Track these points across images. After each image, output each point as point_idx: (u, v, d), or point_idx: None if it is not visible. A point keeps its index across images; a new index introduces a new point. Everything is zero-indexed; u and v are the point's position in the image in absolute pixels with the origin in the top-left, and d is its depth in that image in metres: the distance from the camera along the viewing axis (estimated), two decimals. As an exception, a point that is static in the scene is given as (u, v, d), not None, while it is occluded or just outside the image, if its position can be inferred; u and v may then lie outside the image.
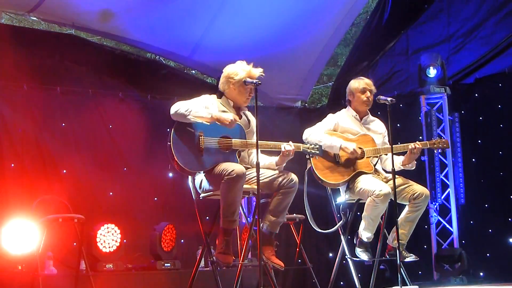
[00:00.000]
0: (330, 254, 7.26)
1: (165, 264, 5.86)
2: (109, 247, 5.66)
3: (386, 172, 4.97)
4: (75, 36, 7.45)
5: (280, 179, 4.24)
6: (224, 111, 4.32)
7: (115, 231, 5.72)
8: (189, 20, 6.67)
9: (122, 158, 6.64)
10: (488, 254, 6.93)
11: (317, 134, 4.83)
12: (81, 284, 5.17)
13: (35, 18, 7.10)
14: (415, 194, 4.76)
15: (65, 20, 6.58)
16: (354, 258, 4.89)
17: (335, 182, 4.85)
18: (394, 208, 4.47)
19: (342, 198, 4.96)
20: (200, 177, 4.29)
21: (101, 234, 5.64)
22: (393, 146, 4.65)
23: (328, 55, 8.01)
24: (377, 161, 4.93)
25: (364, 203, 4.76)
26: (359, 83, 5.04)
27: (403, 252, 4.81)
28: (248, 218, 4.77)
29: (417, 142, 4.87)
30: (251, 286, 5.93)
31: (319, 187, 5.02)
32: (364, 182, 4.74)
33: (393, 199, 4.50)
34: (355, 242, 4.91)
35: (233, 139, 4.26)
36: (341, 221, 4.93)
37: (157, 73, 7.28)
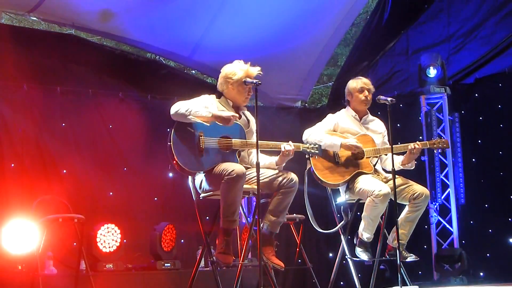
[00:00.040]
0: (330, 254, 7.26)
1: (165, 264, 5.86)
2: (109, 247, 5.66)
3: (386, 172, 4.98)
4: (75, 36, 7.45)
5: (280, 179, 4.24)
6: (224, 111, 4.32)
7: (115, 231, 5.71)
8: (189, 20, 6.67)
9: (122, 158, 6.63)
10: (488, 254, 6.93)
11: (317, 134, 4.84)
12: (81, 284, 5.17)
13: (35, 18, 7.10)
14: (415, 194, 4.76)
15: (65, 20, 6.58)
16: (354, 258, 4.89)
17: (335, 182, 4.85)
18: (394, 208, 4.47)
19: (342, 198, 4.96)
20: (200, 177, 4.29)
21: (101, 234, 5.64)
22: (393, 146, 4.65)
23: (328, 55, 8.01)
24: (377, 161, 4.94)
25: (364, 203, 4.76)
26: (357, 83, 5.04)
27: (403, 252, 4.82)
28: (248, 218, 4.77)
29: (417, 142, 4.87)
30: (251, 286, 5.93)
31: (319, 187, 5.02)
32: (364, 182, 4.74)
33: (393, 199, 4.50)
34: (355, 242, 4.91)
35: (233, 139, 4.26)
36: (343, 221, 4.93)
37: (157, 73, 7.28)
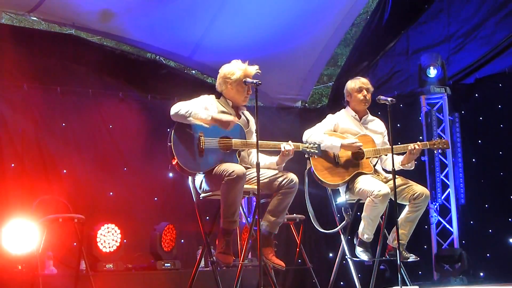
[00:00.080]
0: (330, 254, 7.26)
1: (165, 264, 5.86)
2: (109, 247, 5.66)
3: (386, 172, 4.97)
4: (75, 36, 7.45)
5: (280, 179, 4.23)
6: (223, 111, 4.33)
7: (115, 231, 5.71)
8: (189, 20, 6.67)
9: (122, 158, 6.63)
10: (488, 254, 6.94)
11: (317, 135, 4.83)
12: (81, 284, 5.17)
13: (35, 18, 7.10)
14: (415, 194, 4.76)
15: (65, 20, 6.58)
16: (354, 258, 4.89)
17: (335, 182, 4.84)
18: (394, 208, 4.47)
19: (342, 198, 4.95)
20: (200, 177, 4.29)
21: (101, 234, 5.64)
22: (393, 146, 4.65)
23: (328, 55, 8.02)
24: (377, 161, 4.93)
25: (364, 203, 4.76)
26: (355, 83, 5.04)
27: (403, 252, 4.81)
28: (248, 218, 4.77)
29: (417, 142, 4.86)
30: (251, 286, 5.93)
31: (319, 187, 5.02)
32: (363, 183, 4.73)
33: (393, 199, 4.50)
34: (355, 242, 4.90)
35: (233, 139, 4.26)
36: (344, 221, 4.92)
37: (157, 73, 7.28)
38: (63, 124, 6.35)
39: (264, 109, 7.40)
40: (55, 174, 6.14)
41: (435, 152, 6.81)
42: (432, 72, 7.01)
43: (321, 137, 4.80)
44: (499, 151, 7.11)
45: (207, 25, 6.81)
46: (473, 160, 7.23)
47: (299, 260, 6.52)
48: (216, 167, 4.14)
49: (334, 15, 7.23)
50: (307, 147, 4.43)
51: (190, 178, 4.39)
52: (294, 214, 6.15)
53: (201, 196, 4.35)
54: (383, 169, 5.01)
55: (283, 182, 4.22)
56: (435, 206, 7.00)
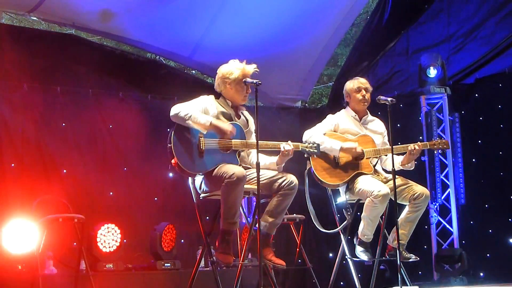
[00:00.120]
0: (330, 254, 7.26)
1: (165, 264, 5.86)
2: (109, 247, 5.66)
3: (386, 172, 4.97)
4: (75, 36, 7.45)
5: (280, 180, 4.23)
6: (223, 112, 4.33)
7: (115, 231, 5.71)
8: (189, 20, 6.67)
9: (122, 158, 6.64)
10: (488, 255, 6.94)
11: (317, 137, 4.82)
12: (81, 284, 5.17)
13: (35, 18, 7.10)
14: (415, 195, 4.76)
15: (65, 20, 6.58)
16: (354, 258, 4.89)
17: (335, 183, 4.84)
18: (394, 209, 4.46)
19: (342, 198, 4.95)
20: (200, 177, 4.29)
21: (101, 234, 5.63)
22: (393, 146, 4.65)
23: (328, 55, 8.02)
24: (377, 161, 4.93)
25: (364, 203, 4.75)
26: (353, 84, 5.05)
27: (403, 252, 4.81)
28: (248, 218, 4.77)
29: (417, 143, 4.86)
30: (251, 286, 5.93)
31: (319, 187, 5.02)
32: (363, 183, 4.73)
33: (392, 199, 4.50)
34: (355, 242, 4.91)
35: (233, 140, 4.26)
36: (346, 221, 4.92)
37: (157, 73, 7.27)
38: (63, 124, 6.35)
39: (264, 109, 7.41)
40: (55, 174, 6.14)
41: (435, 152, 6.81)
42: (432, 72, 7.01)
43: (321, 139, 4.80)
44: (499, 151, 7.11)
45: (207, 25, 6.81)
46: (473, 160, 7.23)
47: (299, 260, 6.52)
48: (217, 169, 4.13)
49: (334, 15, 7.23)
50: (306, 147, 4.43)
51: (190, 178, 4.39)
52: (294, 214, 6.14)
53: (201, 196, 4.35)
54: (383, 169, 5.01)
55: (283, 184, 4.22)
56: (435, 206, 7.00)
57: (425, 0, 7.61)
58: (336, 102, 7.40)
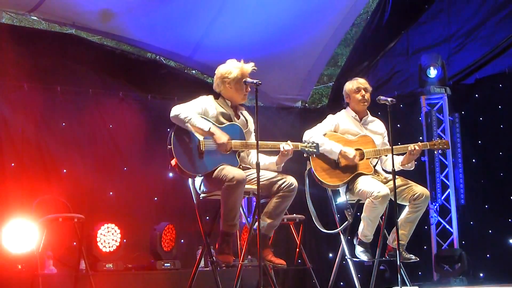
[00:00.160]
0: (330, 254, 7.26)
1: (165, 264, 5.86)
2: (109, 247, 5.66)
3: (386, 172, 4.97)
4: (75, 35, 7.44)
5: (279, 182, 4.22)
6: (222, 112, 4.32)
7: (115, 231, 5.72)
8: (189, 20, 6.67)
9: (122, 158, 6.63)
10: (488, 255, 6.94)
11: (318, 137, 4.81)
12: (81, 284, 5.17)
13: (35, 18, 7.10)
14: (415, 195, 4.75)
15: (65, 19, 6.58)
16: (354, 259, 4.88)
17: (335, 183, 4.84)
18: (394, 209, 4.46)
19: (342, 199, 4.95)
20: (200, 178, 4.29)
21: (101, 234, 5.64)
22: (393, 147, 4.65)
23: (329, 55, 8.02)
24: (377, 162, 4.93)
25: (364, 203, 4.75)
26: (352, 84, 5.05)
27: (403, 252, 4.81)
28: (248, 218, 4.77)
29: (417, 143, 4.86)
30: (251, 286, 5.93)
31: (319, 187, 5.01)
32: (363, 183, 4.73)
33: (392, 200, 4.50)
34: (355, 242, 4.90)
35: (232, 140, 4.26)
36: (347, 221, 4.92)
37: (158, 73, 7.28)
38: (63, 124, 6.35)
39: (264, 109, 7.41)
40: (55, 174, 6.14)
41: (435, 152, 6.79)
42: (432, 72, 7.01)
43: (321, 140, 4.79)
44: (499, 151, 7.11)
45: (207, 25, 6.81)
46: (473, 160, 7.23)
47: (299, 260, 6.52)
48: (217, 170, 4.13)
49: (334, 15, 7.23)
50: (306, 147, 4.42)
51: (190, 179, 4.38)
52: (294, 214, 6.14)
53: (201, 196, 4.35)
54: (383, 170, 5.01)
55: (283, 185, 4.21)
56: (435, 207, 7.00)
57: (425, 0, 7.61)
58: (336, 102, 7.40)
